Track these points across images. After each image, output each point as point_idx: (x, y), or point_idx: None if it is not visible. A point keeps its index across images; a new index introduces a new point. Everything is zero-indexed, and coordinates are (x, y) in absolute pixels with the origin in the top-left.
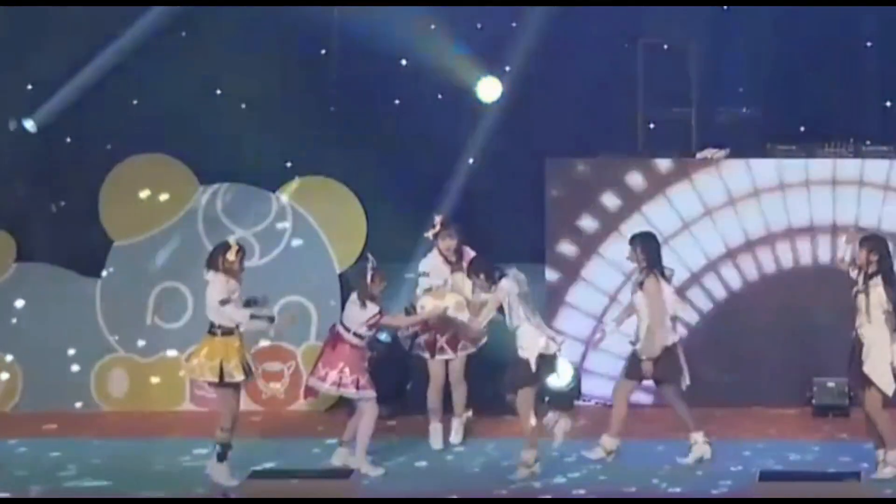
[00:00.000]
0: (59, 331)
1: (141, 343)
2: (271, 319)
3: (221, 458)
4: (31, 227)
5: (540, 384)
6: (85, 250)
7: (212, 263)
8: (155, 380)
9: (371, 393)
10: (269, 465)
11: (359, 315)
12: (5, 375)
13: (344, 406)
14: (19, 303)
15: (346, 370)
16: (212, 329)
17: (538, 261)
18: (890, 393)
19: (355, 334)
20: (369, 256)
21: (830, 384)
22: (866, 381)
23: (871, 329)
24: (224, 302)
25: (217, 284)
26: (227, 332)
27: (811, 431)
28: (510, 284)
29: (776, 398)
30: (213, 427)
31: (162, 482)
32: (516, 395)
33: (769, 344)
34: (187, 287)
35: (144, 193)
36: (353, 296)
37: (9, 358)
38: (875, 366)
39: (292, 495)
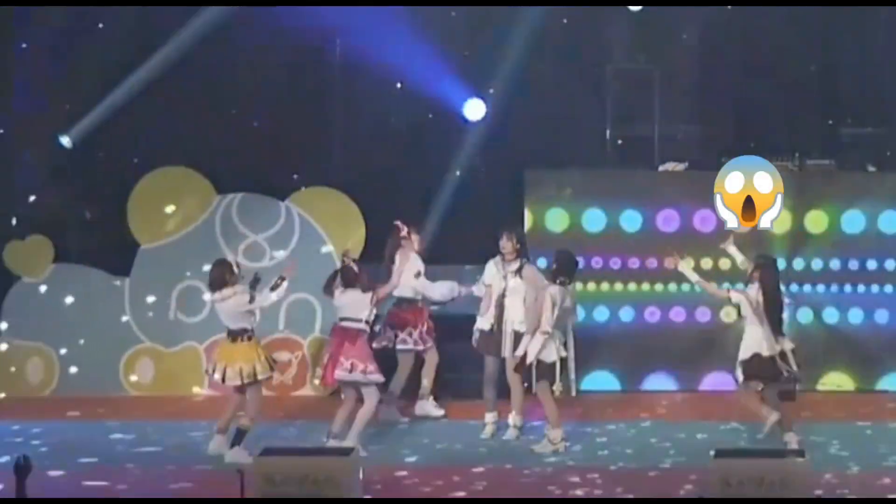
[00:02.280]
0: (92, 324)
1: (164, 335)
2: (281, 279)
3: (238, 441)
4: (67, 231)
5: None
6: (115, 252)
7: (220, 283)
8: (177, 367)
9: (380, 378)
10: (278, 443)
11: (362, 300)
12: (41, 363)
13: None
14: (56, 299)
15: (366, 359)
16: (235, 338)
17: None
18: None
19: (366, 322)
20: (346, 251)
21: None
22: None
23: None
24: (252, 300)
25: (237, 297)
26: (249, 336)
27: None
28: (556, 291)
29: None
30: (228, 408)
31: (184, 458)
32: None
33: None
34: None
35: (168, 202)
36: (352, 291)
37: (46, 348)
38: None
39: (298, 470)
